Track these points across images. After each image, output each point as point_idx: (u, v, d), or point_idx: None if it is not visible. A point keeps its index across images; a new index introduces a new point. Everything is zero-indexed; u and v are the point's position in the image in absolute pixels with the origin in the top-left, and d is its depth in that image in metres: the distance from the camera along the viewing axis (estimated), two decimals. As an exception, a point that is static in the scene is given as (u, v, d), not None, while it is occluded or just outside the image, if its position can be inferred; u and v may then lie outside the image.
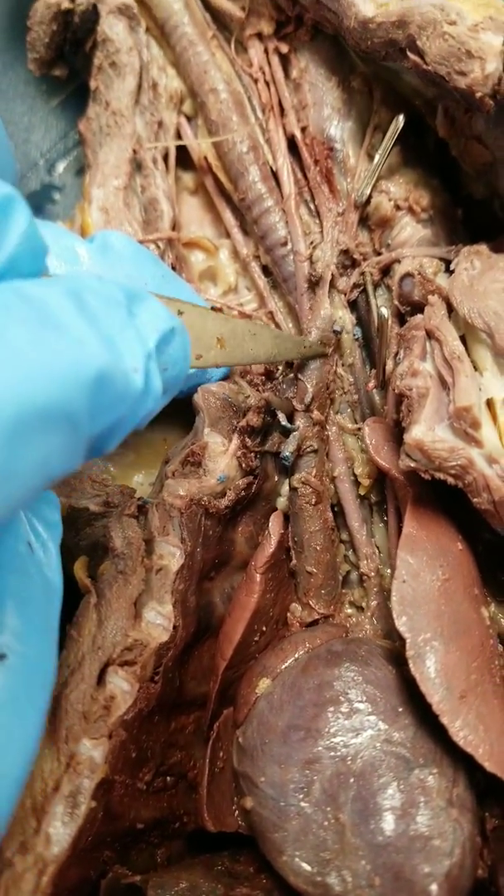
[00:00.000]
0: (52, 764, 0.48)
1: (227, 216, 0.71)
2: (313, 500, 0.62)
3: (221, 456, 0.58)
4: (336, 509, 0.64)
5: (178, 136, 0.72)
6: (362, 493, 0.64)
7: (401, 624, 0.51)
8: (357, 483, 0.64)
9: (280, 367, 0.65)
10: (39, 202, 0.81)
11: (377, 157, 0.64)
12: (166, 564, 0.54)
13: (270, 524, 0.61)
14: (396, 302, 0.62)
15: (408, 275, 0.60)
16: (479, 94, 0.54)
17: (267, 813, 0.51)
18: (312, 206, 0.67)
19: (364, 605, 0.63)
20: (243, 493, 0.58)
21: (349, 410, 0.65)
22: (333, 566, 0.63)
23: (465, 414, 0.52)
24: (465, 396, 0.52)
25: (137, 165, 0.70)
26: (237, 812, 0.55)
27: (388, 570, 0.62)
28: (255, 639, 0.59)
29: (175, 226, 0.69)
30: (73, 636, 0.51)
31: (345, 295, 0.65)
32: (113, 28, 0.70)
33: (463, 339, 0.56)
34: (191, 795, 0.56)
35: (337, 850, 0.49)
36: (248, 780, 0.53)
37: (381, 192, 0.65)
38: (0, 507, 0.32)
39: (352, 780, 0.50)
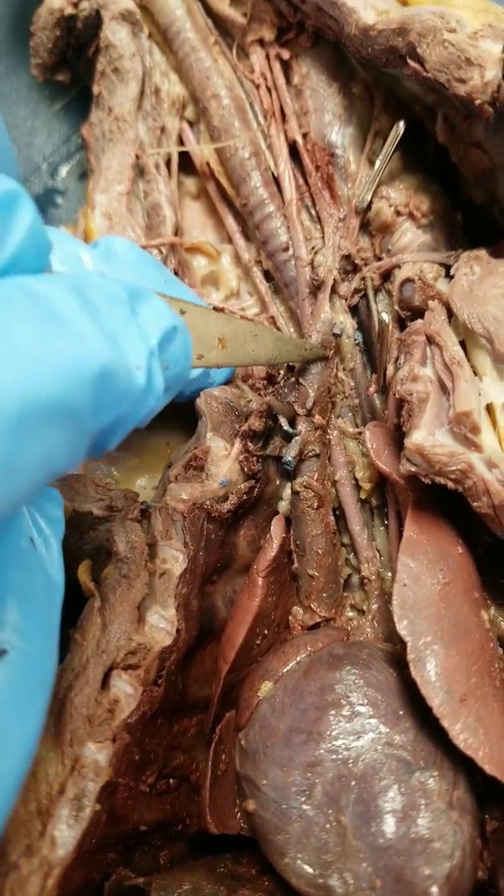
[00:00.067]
0: (56, 767, 0.48)
1: (229, 221, 0.71)
2: (315, 504, 0.62)
3: (224, 460, 0.58)
4: (337, 513, 0.65)
5: (181, 141, 0.72)
6: (363, 497, 0.64)
7: (402, 627, 0.51)
8: (358, 487, 0.64)
9: (281, 372, 0.66)
10: (42, 206, 0.82)
11: (378, 163, 0.64)
12: (169, 568, 0.54)
13: (272, 528, 0.61)
14: (397, 307, 0.62)
15: (408, 280, 0.61)
16: (478, 102, 0.54)
17: (269, 815, 0.52)
18: (314, 212, 0.67)
19: (365, 608, 0.63)
20: (245, 497, 0.59)
21: (350, 414, 0.65)
22: (335, 570, 0.63)
23: (465, 419, 0.52)
24: (464, 401, 0.53)
25: (140, 171, 0.70)
26: (239, 814, 0.56)
27: (389, 574, 0.63)
28: (258, 642, 0.59)
29: (177, 231, 0.70)
30: (78, 640, 0.52)
31: (346, 300, 0.65)
32: (116, 34, 0.71)
33: (463, 345, 0.56)
34: (193, 798, 0.57)
35: (338, 853, 0.49)
36: (250, 783, 0.53)
37: (381, 197, 0.65)
38: (2, 501, 0.32)
39: (353, 782, 0.51)
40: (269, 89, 0.70)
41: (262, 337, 0.57)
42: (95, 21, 0.72)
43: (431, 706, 0.49)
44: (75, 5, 0.72)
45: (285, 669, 0.57)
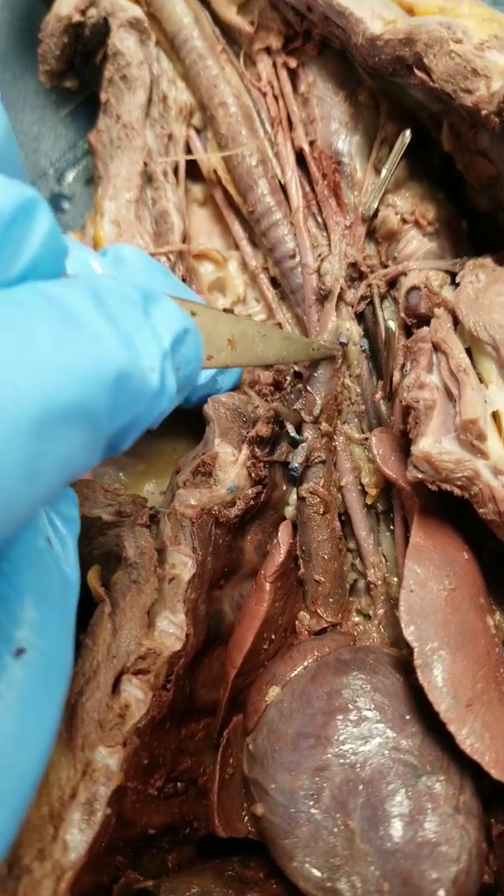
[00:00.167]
0: (68, 771, 0.48)
1: (237, 228, 0.72)
2: (321, 510, 0.63)
3: (232, 466, 0.59)
4: (343, 518, 0.65)
5: (188, 148, 0.72)
6: (369, 503, 0.65)
7: (409, 633, 0.52)
8: (364, 492, 0.64)
9: (288, 378, 0.66)
10: None
11: (384, 172, 0.65)
12: (178, 574, 0.55)
13: (280, 533, 0.62)
14: (403, 314, 0.62)
15: (414, 288, 0.61)
16: (484, 112, 0.55)
17: (277, 819, 0.52)
18: (320, 219, 0.68)
19: (371, 613, 0.64)
20: (252, 503, 0.59)
21: (356, 420, 0.66)
22: (341, 575, 0.64)
23: (472, 426, 0.53)
24: (471, 409, 0.53)
25: (148, 178, 0.70)
26: (247, 818, 0.56)
27: (395, 579, 0.63)
28: (265, 647, 0.59)
29: (185, 238, 0.70)
30: (88, 645, 0.52)
31: (352, 307, 0.66)
32: (124, 42, 0.71)
33: (469, 352, 0.57)
34: (201, 801, 0.57)
35: (346, 856, 0.50)
36: (258, 787, 0.54)
37: (387, 205, 0.65)
38: (24, 504, 0.33)
39: (361, 787, 0.51)
40: (275, 97, 0.70)
41: (270, 337, 0.57)
42: (103, 28, 0.72)
43: (438, 711, 0.50)
44: (83, 13, 0.72)
45: (293, 674, 0.57)
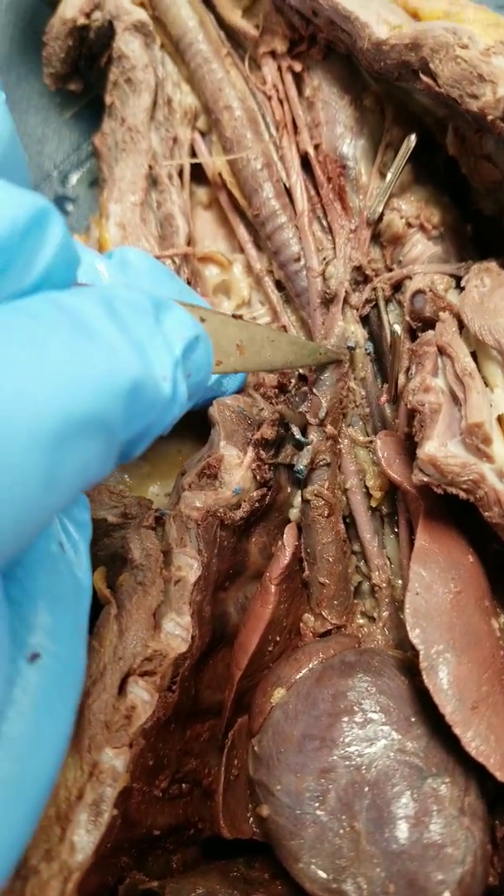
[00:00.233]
0: (75, 773, 0.49)
1: (241, 231, 0.72)
2: (325, 513, 0.63)
3: (237, 468, 0.59)
4: (348, 521, 0.65)
5: (193, 151, 0.73)
6: (374, 505, 0.65)
7: (414, 636, 0.52)
8: (368, 495, 0.65)
9: (293, 381, 0.66)
10: None
11: (389, 176, 0.65)
12: (184, 576, 0.55)
13: (285, 536, 0.62)
14: (408, 318, 0.62)
15: (419, 291, 0.61)
16: (490, 117, 0.55)
17: (283, 821, 0.52)
18: (325, 223, 0.68)
19: (376, 615, 0.64)
20: (257, 505, 0.60)
21: (361, 423, 0.66)
22: (345, 577, 0.64)
23: (477, 430, 0.53)
24: (476, 413, 0.53)
25: (153, 181, 0.71)
26: (252, 819, 0.56)
27: (399, 581, 0.63)
28: (270, 648, 0.60)
29: (190, 241, 0.70)
30: (95, 646, 0.52)
31: (357, 310, 0.66)
32: (129, 45, 0.71)
33: (474, 356, 0.57)
34: (206, 802, 0.57)
35: (352, 858, 0.50)
36: (263, 789, 0.54)
37: (392, 209, 0.66)
38: (42, 513, 0.33)
39: (366, 788, 0.51)
40: (280, 101, 0.71)
41: (278, 342, 0.58)
42: (108, 32, 0.72)
43: (444, 713, 0.50)
44: (88, 16, 0.72)
45: (298, 676, 0.58)
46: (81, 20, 0.72)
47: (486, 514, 0.53)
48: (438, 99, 0.59)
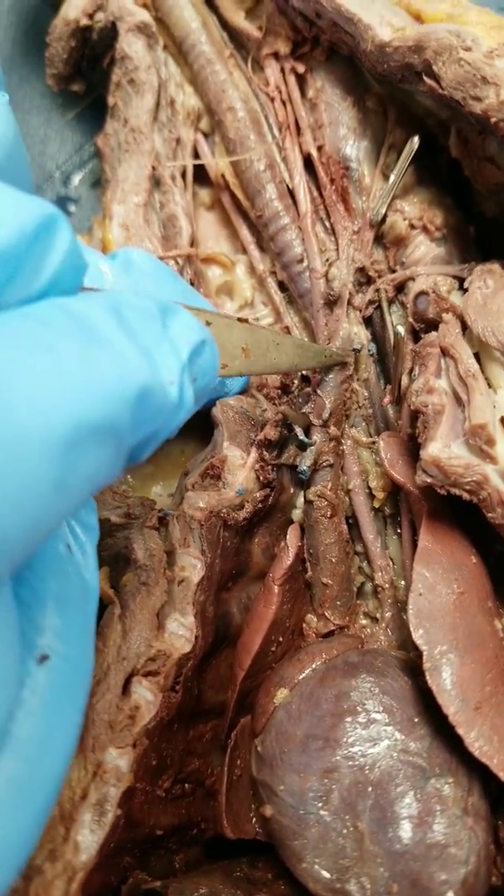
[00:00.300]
0: (79, 772, 0.49)
1: (244, 233, 0.72)
2: (328, 513, 0.63)
3: (240, 469, 0.59)
4: (351, 521, 0.66)
5: (196, 152, 0.73)
6: (376, 506, 0.65)
7: (418, 636, 0.52)
8: (371, 496, 0.65)
9: (296, 382, 0.67)
10: None
11: (392, 177, 0.65)
12: (188, 576, 0.55)
13: (288, 536, 0.62)
14: (411, 319, 0.63)
15: (422, 293, 0.62)
16: (493, 120, 0.55)
17: (287, 821, 0.52)
18: (328, 224, 0.68)
19: (379, 616, 0.64)
20: (260, 506, 0.60)
21: (364, 424, 0.66)
22: (348, 578, 0.64)
23: (481, 431, 0.53)
24: (479, 414, 0.53)
25: (156, 182, 0.71)
26: (255, 819, 0.56)
27: (402, 582, 0.63)
28: (272, 649, 0.60)
29: (193, 242, 0.70)
30: (99, 647, 0.52)
31: (360, 311, 0.66)
32: (132, 46, 0.71)
33: (477, 357, 0.57)
34: (208, 802, 0.58)
35: (356, 858, 0.50)
36: (267, 789, 0.54)
37: (395, 211, 0.66)
38: (52, 519, 0.33)
39: (370, 788, 0.51)
40: (283, 102, 0.71)
41: (283, 345, 0.58)
42: (111, 32, 0.72)
43: (447, 714, 0.50)
44: (91, 17, 0.72)
45: (301, 676, 0.58)
46: (84, 21, 0.72)
47: (490, 515, 0.54)
48: (441, 101, 0.60)
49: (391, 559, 0.64)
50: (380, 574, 0.64)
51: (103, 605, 0.55)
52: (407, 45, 0.59)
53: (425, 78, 0.58)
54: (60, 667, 0.39)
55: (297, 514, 0.65)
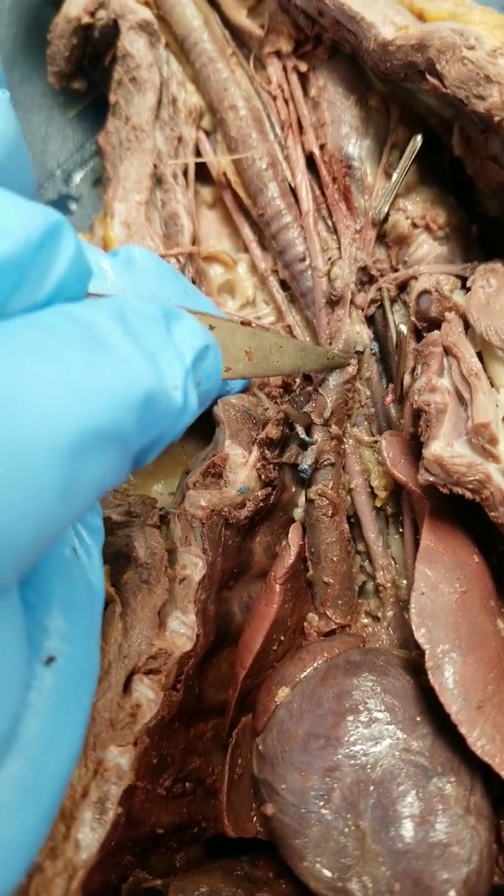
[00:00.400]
0: (80, 770, 0.49)
1: (246, 231, 0.72)
2: (329, 512, 0.63)
3: (242, 467, 0.59)
4: (352, 520, 0.65)
5: (197, 150, 0.73)
6: (378, 505, 0.65)
7: (420, 635, 0.52)
8: (373, 495, 0.65)
9: (297, 380, 0.66)
10: None
11: (395, 176, 0.65)
12: (189, 574, 0.55)
13: (290, 535, 0.62)
14: (414, 318, 0.63)
15: (425, 292, 0.62)
16: (497, 118, 0.55)
17: (288, 819, 0.52)
18: (330, 223, 0.68)
19: (380, 615, 0.64)
20: (262, 504, 0.60)
21: (366, 423, 0.66)
22: (349, 577, 0.64)
23: (483, 430, 0.53)
24: (482, 413, 0.53)
25: (158, 180, 0.71)
26: (256, 818, 0.56)
27: (404, 581, 0.63)
28: (274, 648, 0.60)
29: (195, 240, 0.70)
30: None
31: (362, 310, 0.66)
32: (134, 44, 0.71)
33: (480, 356, 0.57)
34: (209, 801, 0.57)
35: (357, 857, 0.50)
36: (268, 787, 0.54)
37: (398, 209, 0.66)
38: (59, 525, 0.34)
39: (371, 787, 0.51)
40: (286, 101, 0.71)
41: (286, 348, 0.58)
42: (112, 30, 0.72)
43: (449, 713, 0.50)
44: (92, 14, 0.72)
45: (302, 675, 0.58)
46: (86, 19, 0.72)
47: (492, 514, 0.54)
48: (444, 100, 0.59)
49: (393, 558, 0.64)
50: (381, 573, 0.64)
51: (104, 604, 0.55)
52: (410, 44, 0.59)
53: (428, 76, 0.58)
54: (66, 668, 0.40)
55: (298, 512, 0.64)
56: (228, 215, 0.73)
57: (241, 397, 0.63)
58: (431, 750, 0.52)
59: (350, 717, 0.54)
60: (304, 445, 0.63)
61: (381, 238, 0.67)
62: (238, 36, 0.73)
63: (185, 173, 0.72)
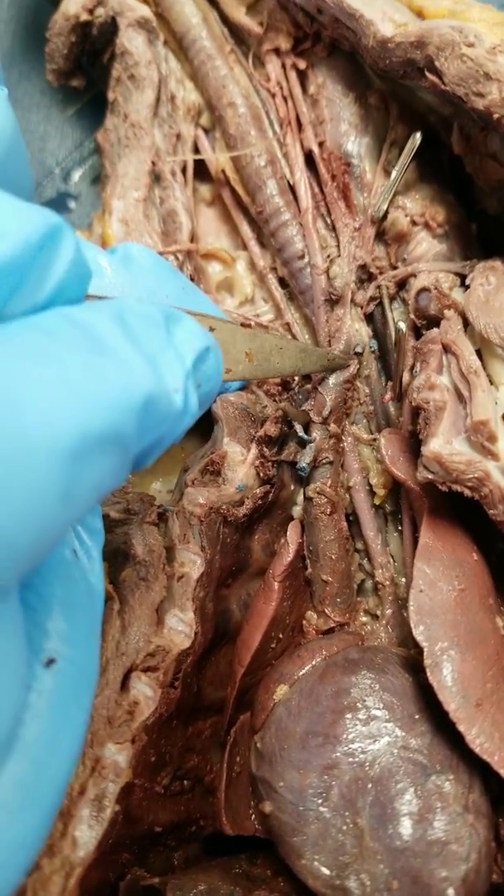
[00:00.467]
0: (77, 768, 0.48)
1: (245, 228, 0.72)
2: (328, 510, 0.63)
3: (240, 465, 0.59)
4: (351, 518, 0.65)
5: (196, 148, 0.72)
6: (377, 503, 0.65)
7: (418, 633, 0.52)
8: (372, 493, 0.65)
9: (296, 378, 0.66)
10: (55, 210, 0.80)
11: (394, 174, 0.65)
12: (187, 572, 0.55)
13: (288, 533, 0.62)
14: (413, 316, 0.63)
15: (424, 289, 0.61)
16: (496, 116, 0.55)
17: (286, 817, 0.52)
18: (329, 221, 0.68)
19: (379, 613, 0.64)
20: (260, 502, 0.60)
21: (365, 421, 0.66)
22: (348, 575, 0.64)
23: (482, 428, 0.53)
24: (481, 411, 0.53)
25: (156, 177, 0.71)
26: (254, 816, 0.56)
27: (403, 579, 0.63)
28: (272, 645, 0.60)
29: (193, 237, 0.70)
30: (98, 642, 0.52)
31: (361, 308, 0.66)
32: (132, 41, 0.71)
33: (479, 354, 0.57)
34: (207, 799, 0.57)
35: (355, 854, 0.50)
36: (266, 785, 0.54)
37: (397, 207, 0.66)
38: (59, 528, 0.34)
39: (370, 785, 0.51)
40: (284, 98, 0.71)
41: (286, 350, 0.58)
42: (111, 28, 0.72)
43: (448, 711, 0.50)
44: (91, 12, 0.72)
45: (301, 673, 0.57)
46: (84, 16, 0.72)
47: (491, 511, 0.54)
48: (444, 97, 0.59)
49: (392, 556, 0.64)
50: (380, 571, 0.64)
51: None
52: (409, 41, 0.59)
53: (427, 74, 0.58)
54: (67, 670, 0.40)
55: (297, 510, 0.64)
56: (227, 213, 0.73)
57: (239, 395, 0.63)
58: (430, 748, 0.52)
59: (348, 715, 0.54)
60: (302, 443, 0.63)
61: (380, 236, 0.67)
62: (237, 33, 0.73)
63: (184, 170, 0.71)
